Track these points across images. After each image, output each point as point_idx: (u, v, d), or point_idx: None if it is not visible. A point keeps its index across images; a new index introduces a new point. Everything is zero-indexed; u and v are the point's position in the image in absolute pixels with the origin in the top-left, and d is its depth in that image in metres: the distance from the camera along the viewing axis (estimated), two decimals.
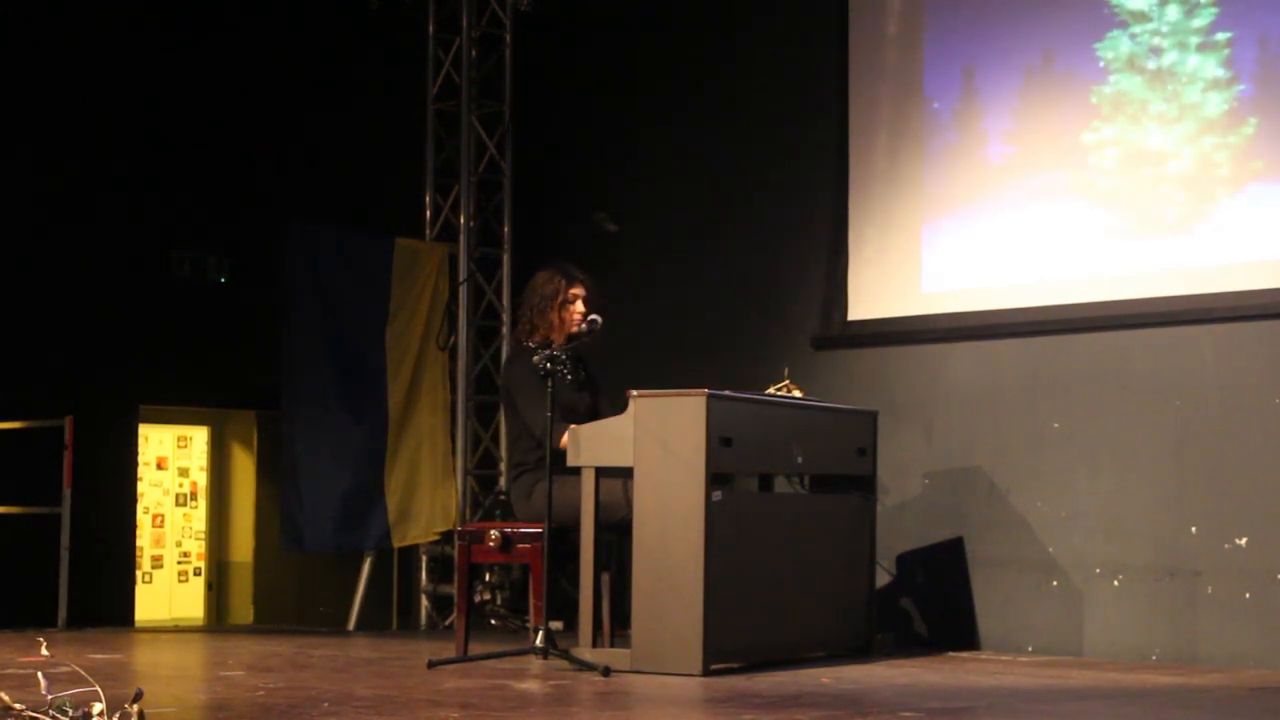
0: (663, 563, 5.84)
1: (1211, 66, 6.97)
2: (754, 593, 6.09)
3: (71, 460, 8.25)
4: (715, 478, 5.87)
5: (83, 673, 4.31)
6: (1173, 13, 7.07)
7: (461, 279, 9.18)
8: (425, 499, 8.93)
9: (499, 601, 8.74)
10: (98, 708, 3.82)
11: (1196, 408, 6.89)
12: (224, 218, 9.88)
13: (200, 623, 12.20)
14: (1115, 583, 7.01)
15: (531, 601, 6.22)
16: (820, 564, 6.53)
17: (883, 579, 7.41)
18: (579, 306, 6.41)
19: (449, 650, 6.43)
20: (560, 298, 6.42)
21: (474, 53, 9.34)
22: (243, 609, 11.39)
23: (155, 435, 13.65)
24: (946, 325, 7.62)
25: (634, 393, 5.96)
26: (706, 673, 5.74)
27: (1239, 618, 6.65)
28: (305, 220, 8.92)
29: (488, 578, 8.74)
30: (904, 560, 7.61)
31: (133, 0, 9.57)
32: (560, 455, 5.97)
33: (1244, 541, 6.68)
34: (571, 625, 6.78)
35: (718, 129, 8.72)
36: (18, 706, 3.87)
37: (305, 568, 10.21)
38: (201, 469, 13.23)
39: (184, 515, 14.09)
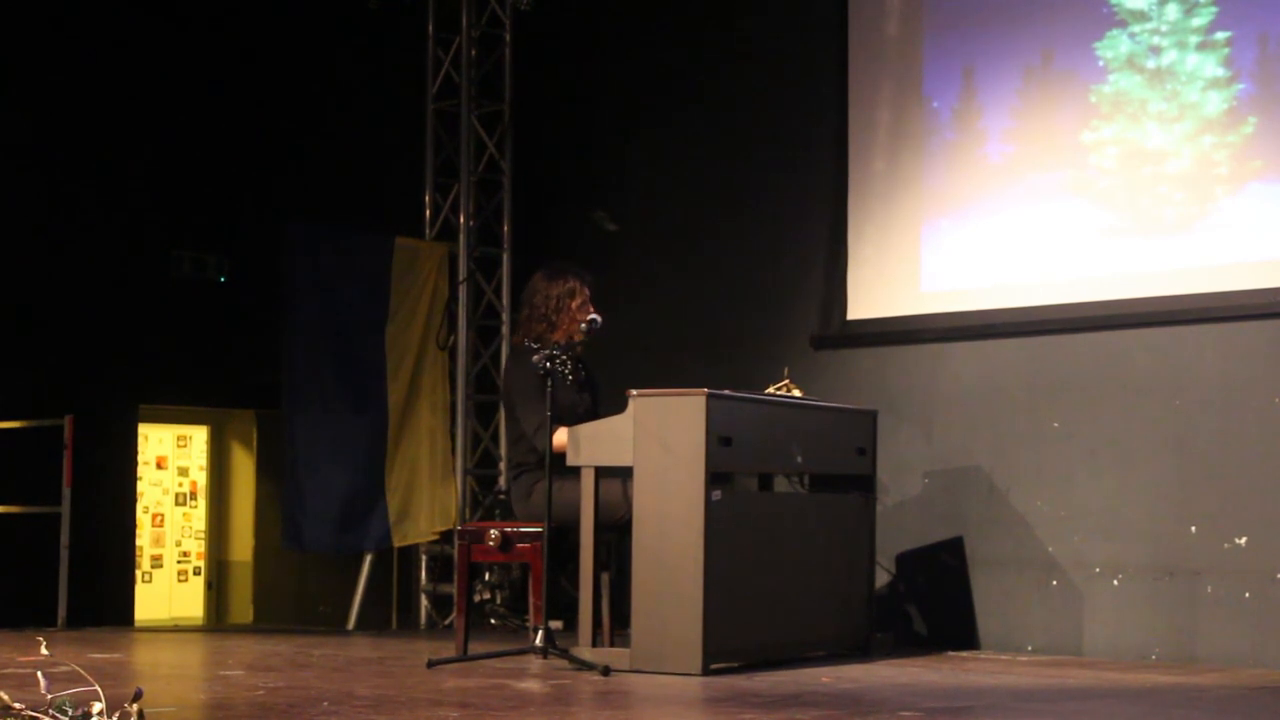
0: (662, 562, 5.84)
1: (1211, 65, 6.97)
2: (754, 592, 6.09)
3: (71, 460, 8.25)
4: (715, 477, 5.87)
5: (82, 672, 4.31)
6: (1172, 12, 7.07)
7: (461, 278, 9.18)
8: (425, 499, 8.93)
9: (499, 601, 8.74)
10: (97, 707, 3.82)
11: (1196, 407, 6.89)
12: (224, 218, 9.89)
13: (200, 622, 12.19)
14: (1115, 582, 7.01)
15: (531, 601, 6.22)
16: (820, 564, 6.53)
17: (883, 579, 7.41)
18: (589, 306, 6.42)
19: (449, 650, 6.44)
20: (579, 298, 6.41)
21: (474, 52, 9.34)
22: (242, 609, 11.39)
23: (155, 435, 13.65)
24: (946, 325, 7.62)
25: (634, 392, 5.96)
26: (706, 672, 5.74)
27: (1239, 617, 6.65)
28: (305, 220, 8.92)
29: (487, 577, 8.74)
30: (904, 560, 7.61)
31: (132, 1, 9.57)
32: (560, 455, 5.97)
33: (1244, 541, 6.68)
34: (571, 625, 6.78)
35: (717, 128, 8.72)
36: (18, 706, 3.87)
37: (305, 567, 10.21)
38: (201, 468, 13.23)
39: (184, 515, 14.09)
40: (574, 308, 6.38)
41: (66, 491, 8.23)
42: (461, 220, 9.25)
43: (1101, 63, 7.26)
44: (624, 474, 6.01)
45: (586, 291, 6.44)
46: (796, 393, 6.74)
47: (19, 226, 9.11)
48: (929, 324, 7.68)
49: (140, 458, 10.81)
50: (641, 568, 5.89)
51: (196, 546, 13.59)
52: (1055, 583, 7.17)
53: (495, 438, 9.24)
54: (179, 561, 14.00)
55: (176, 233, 9.77)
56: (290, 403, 8.71)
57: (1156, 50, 7.11)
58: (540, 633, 5.79)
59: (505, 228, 9.42)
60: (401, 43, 9.58)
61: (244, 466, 11.70)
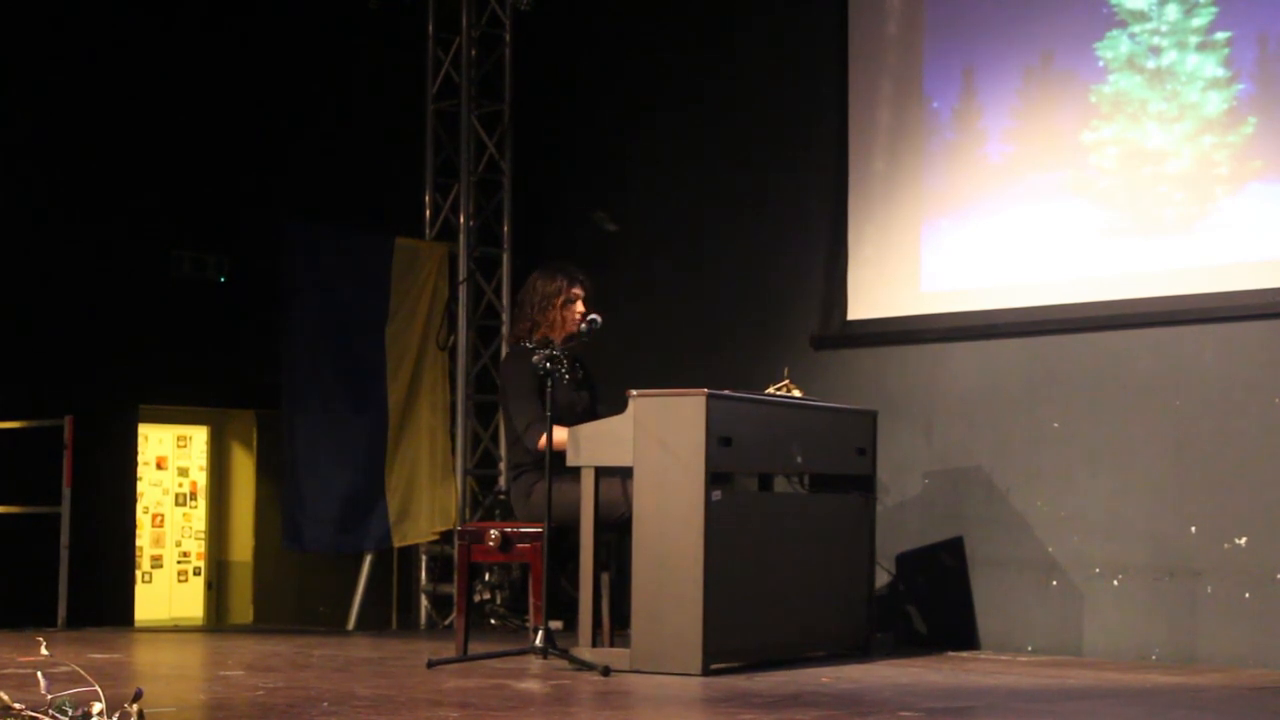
0: (662, 562, 5.84)
1: (1211, 66, 6.97)
2: (754, 593, 6.09)
3: (71, 460, 8.25)
4: (715, 477, 5.87)
5: (82, 672, 4.31)
6: (1172, 12, 7.07)
7: (461, 279, 9.18)
8: (425, 499, 8.93)
9: (499, 601, 8.74)
10: (97, 707, 3.82)
11: (1196, 408, 6.89)
12: (224, 218, 9.88)
13: (200, 622, 12.20)
14: (1115, 583, 7.01)
15: (531, 601, 6.22)
16: (820, 564, 6.53)
17: (883, 579, 7.41)
18: (580, 306, 6.42)
19: (449, 650, 6.44)
20: (563, 296, 6.42)
21: (474, 52, 9.34)
22: (242, 609, 11.39)
23: (155, 435, 13.65)
24: (946, 325, 7.62)
25: (634, 392, 5.95)
26: (706, 672, 5.74)
27: (1239, 618, 6.65)
28: (305, 220, 8.92)
29: (487, 577, 8.74)
30: (904, 560, 7.61)
31: (133, 1, 9.57)
32: (560, 455, 5.97)
33: (1244, 541, 6.68)
34: (571, 625, 6.78)
35: (718, 129, 8.72)
36: (17, 706, 3.87)
37: (305, 568, 10.21)
38: (201, 469, 13.24)
39: (184, 515, 14.09)
40: (558, 306, 6.40)
41: (66, 491, 8.23)
42: (461, 220, 9.25)
43: (1101, 63, 7.26)
44: (623, 472, 6.01)
45: (578, 291, 6.44)
46: (796, 393, 6.74)
47: (19, 226, 9.11)
48: (929, 324, 7.68)
49: (140, 458, 10.81)
50: (641, 568, 5.89)
51: (196, 547, 13.59)
52: (1055, 583, 7.17)
53: (495, 438, 9.24)
54: (179, 562, 14.00)
55: (176, 233, 9.77)
56: (290, 403, 8.71)
57: (1156, 50, 7.11)
58: (540, 633, 5.78)
59: (505, 228, 9.42)
60: (401, 43, 9.58)
61: (244, 466, 11.70)
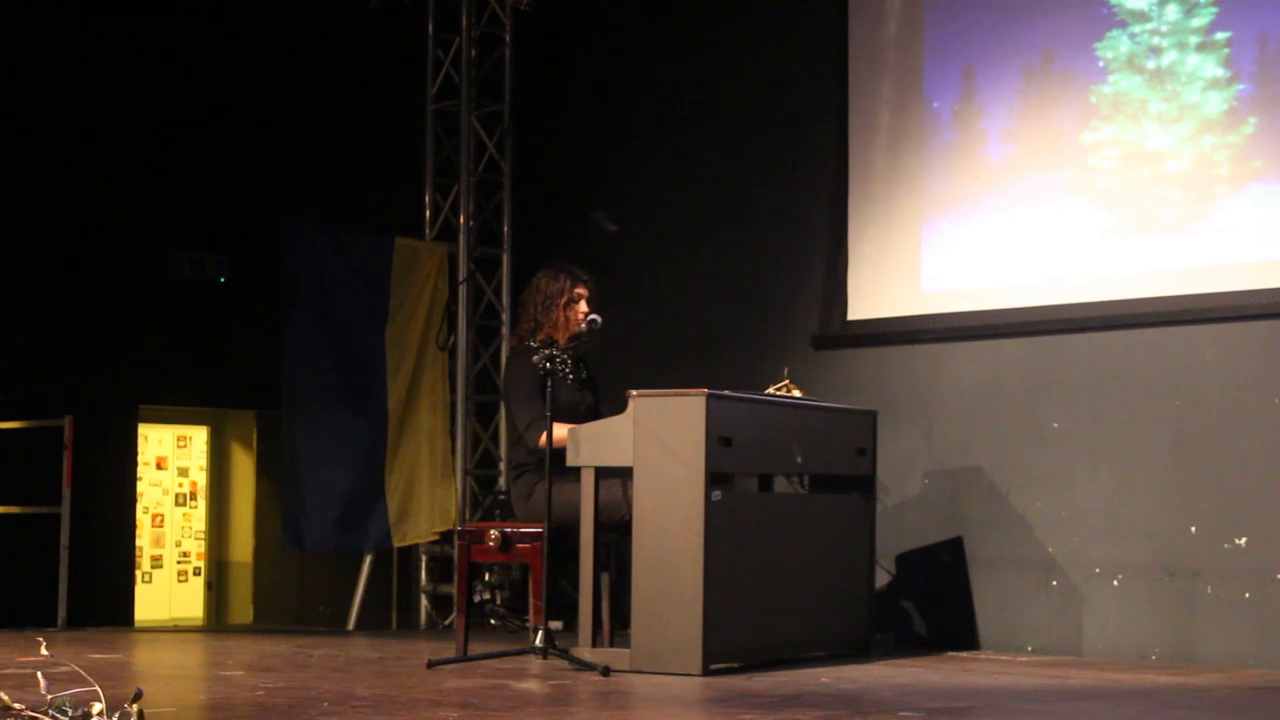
0: (662, 563, 5.84)
1: (1211, 66, 6.97)
2: (754, 593, 6.09)
3: (71, 460, 8.25)
4: (715, 477, 5.87)
5: (82, 673, 4.31)
6: (1172, 12, 7.07)
7: (461, 279, 9.18)
8: (425, 499, 8.93)
9: (499, 601, 8.74)
10: (97, 708, 3.82)
11: (1196, 408, 6.89)
12: (224, 218, 9.88)
13: (200, 622, 12.19)
14: (1115, 583, 7.01)
15: (531, 601, 6.22)
16: (820, 564, 6.53)
17: (883, 579, 7.41)
18: (583, 306, 6.42)
19: (449, 650, 6.44)
20: (566, 296, 6.42)
21: (474, 53, 9.34)
22: (242, 609, 11.38)
23: (155, 435, 13.64)
24: (946, 325, 7.63)
25: (633, 392, 5.96)
26: (706, 673, 5.74)
27: (1238, 618, 6.65)
28: (305, 220, 8.92)
29: (487, 578, 8.74)
30: (904, 560, 7.61)
31: (132, 1, 9.57)
32: (560, 455, 5.97)
33: (1243, 541, 6.68)
34: (571, 625, 6.78)
35: (717, 129, 8.72)
36: (17, 706, 3.87)
37: (305, 568, 10.21)
38: (201, 469, 13.22)
39: (184, 515, 14.07)
40: (561, 306, 6.40)
41: (66, 491, 8.23)
42: (461, 220, 9.25)
43: (1101, 63, 7.26)
44: (624, 474, 6.01)
45: (581, 291, 6.44)
46: (796, 393, 6.74)
47: (19, 227, 9.11)
48: (929, 324, 7.69)
49: (140, 458, 10.80)
50: (641, 568, 5.89)
51: (196, 547, 13.58)
52: (1055, 583, 7.17)
53: (495, 438, 9.24)
54: (179, 562, 13.99)
55: (176, 233, 9.77)
56: (290, 403, 8.71)
57: (1156, 51, 7.11)
58: (540, 633, 5.79)
59: (505, 228, 9.42)
60: (401, 43, 9.58)
61: (244, 466, 11.69)
